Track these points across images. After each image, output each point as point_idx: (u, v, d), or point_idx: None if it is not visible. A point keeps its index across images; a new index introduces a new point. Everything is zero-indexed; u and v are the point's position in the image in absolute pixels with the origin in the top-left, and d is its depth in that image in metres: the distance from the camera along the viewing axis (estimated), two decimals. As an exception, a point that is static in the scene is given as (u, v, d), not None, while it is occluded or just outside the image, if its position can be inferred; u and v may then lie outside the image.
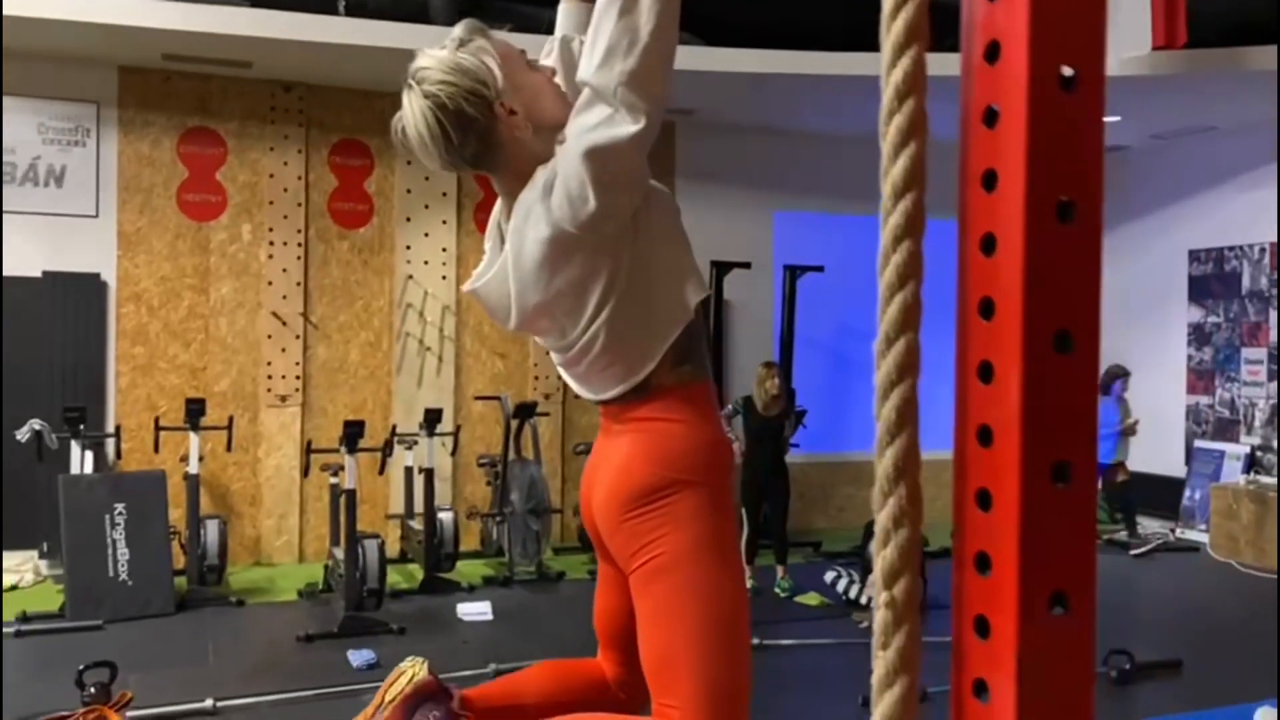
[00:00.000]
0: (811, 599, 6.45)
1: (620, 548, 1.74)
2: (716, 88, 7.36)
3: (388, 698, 1.71)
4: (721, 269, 7.76)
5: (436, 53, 1.67)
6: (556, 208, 1.59)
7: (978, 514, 0.76)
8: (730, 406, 7.02)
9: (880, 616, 0.77)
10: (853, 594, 6.25)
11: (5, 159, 6.74)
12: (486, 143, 1.69)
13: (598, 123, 1.52)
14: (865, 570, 6.31)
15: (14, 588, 6.43)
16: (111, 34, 6.29)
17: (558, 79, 1.80)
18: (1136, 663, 4.87)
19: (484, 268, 1.78)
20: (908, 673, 0.76)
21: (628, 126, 1.50)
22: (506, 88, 1.67)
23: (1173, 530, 8.61)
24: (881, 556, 0.77)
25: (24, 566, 6.60)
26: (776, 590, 6.64)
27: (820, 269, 7.93)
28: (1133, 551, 7.97)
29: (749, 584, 6.63)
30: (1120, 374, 8.42)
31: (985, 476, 0.75)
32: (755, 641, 5.39)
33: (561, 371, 1.84)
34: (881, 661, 0.77)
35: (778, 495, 6.86)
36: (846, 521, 8.65)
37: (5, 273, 6.70)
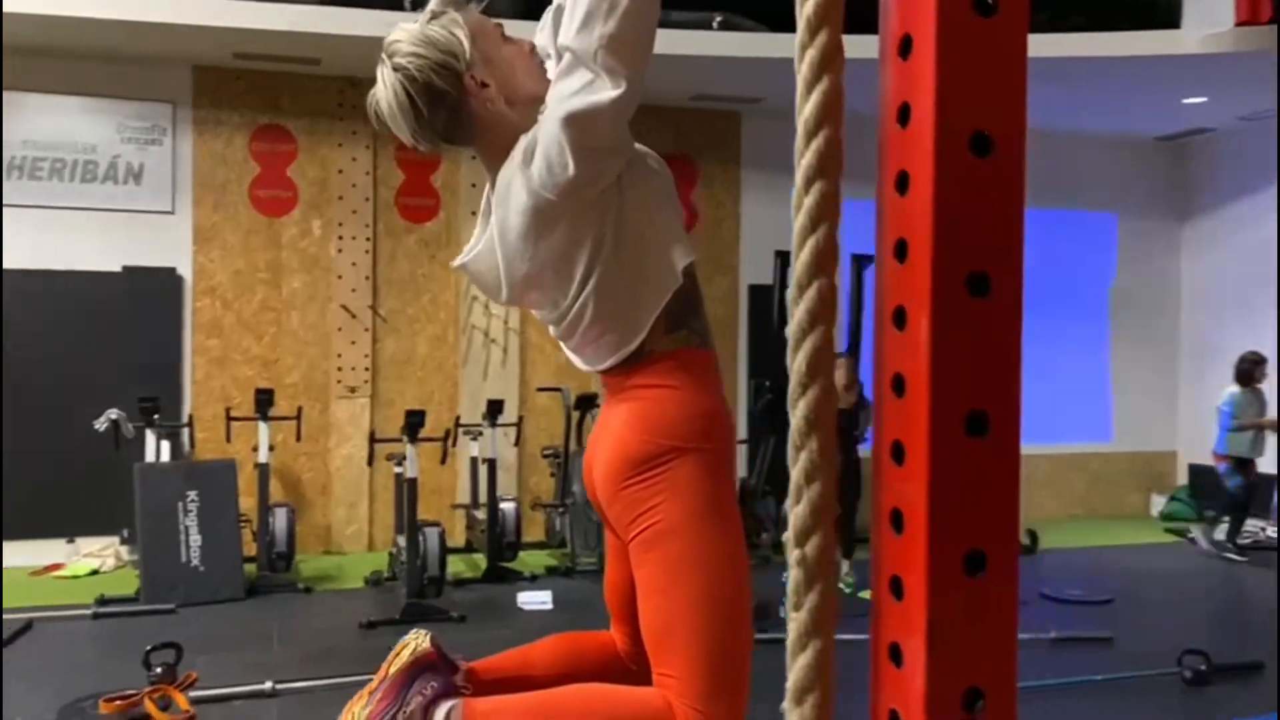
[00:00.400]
0: (875, 594, 6.33)
1: (618, 517, 1.72)
2: (782, 74, 7.27)
3: (391, 671, 1.72)
4: (785, 259, 7.67)
5: (408, 26, 1.68)
6: (536, 175, 1.58)
7: (893, 468, 0.72)
8: None
9: (792, 576, 0.74)
10: (918, 589, 6.13)
11: (86, 158, 6.99)
12: (457, 116, 1.68)
13: (578, 88, 1.50)
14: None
15: (95, 572, 6.67)
16: (185, 34, 6.47)
17: (544, 51, 1.78)
18: (1213, 664, 4.67)
19: (472, 243, 1.78)
20: (821, 635, 0.72)
21: (608, 92, 1.48)
22: (477, 60, 1.66)
23: (1264, 529, 8.26)
24: (794, 513, 0.74)
25: (105, 552, 6.83)
26: (840, 586, 6.54)
27: (888, 259, 7.77)
28: (1212, 548, 7.65)
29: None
30: (1259, 360, 7.68)
31: (899, 428, 0.71)
32: (814, 635, 5.35)
33: (562, 346, 1.83)
34: (794, 623, 0.73)
35: (848, 490, 6.76)
36: (917, 516, 8.48)
37: (88, 268, 6.96)
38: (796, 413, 0.74)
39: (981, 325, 0.69)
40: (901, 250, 0.71)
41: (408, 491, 5.69)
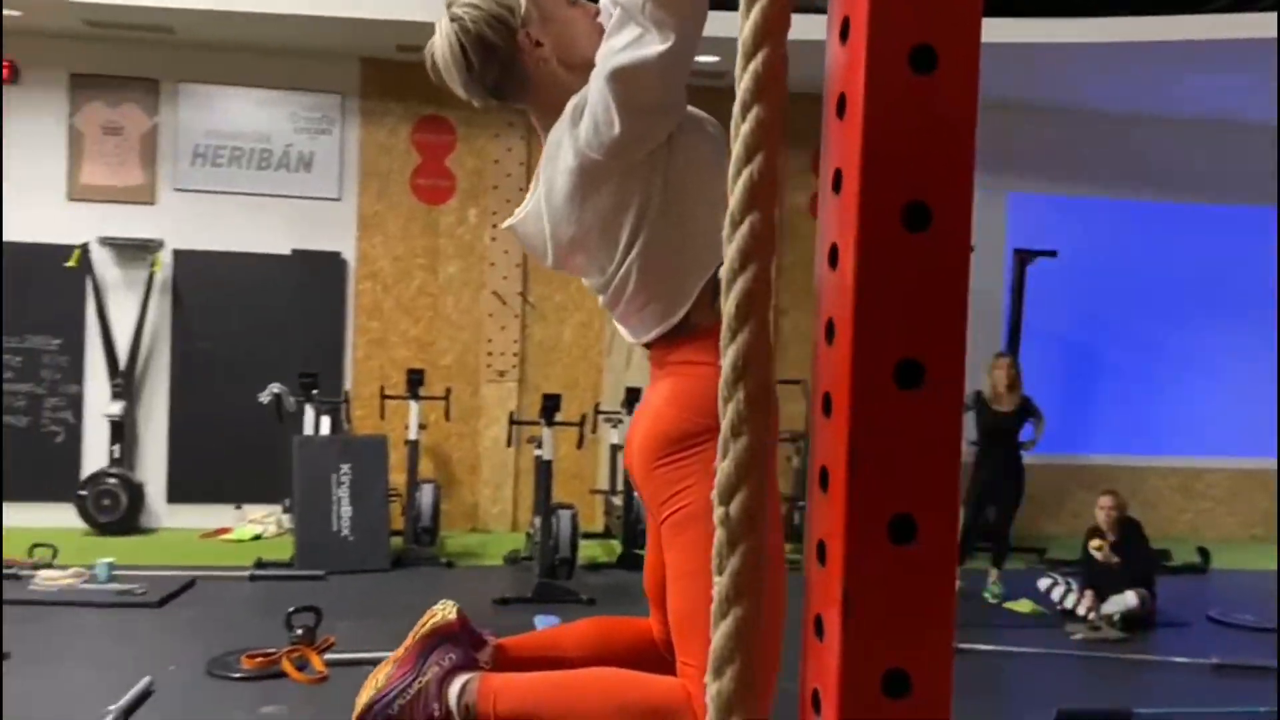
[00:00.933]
0: (1023, 606, 6.03)
1: (651, 496, 1.66)
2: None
3: (412, 640, 1.72)
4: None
5: None
6: (583, 134, 1.54)
7: (823, 422, 0.65)
8: None
9: (717, 536, 0.68)
10: (1069, 604, 5.79)
11: (262, 147, 7.41)
12: (509, 72, 1.66)
13: (627, 43, 1.45)
14: (1085, 580, 5.84)
15: (258, 537, 7.07)
16: (354, 27, 6.76)
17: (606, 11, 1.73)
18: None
19: (524, 205, 1.76)
20: (743, 601, 0.66)
21: (656, 46, 1.42)
22: (533, 17, 1.64)
23: None
24: (720, 469, 0.68)
25: (268, 519, 7.23)
26: (985, 595, 6.25)
27: (1052, 254, 7.38)
28: None
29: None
30: None
31: (829, 379, 0.64)
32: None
33: (611, 318, 1.79)
34: (717, 588, 0.67)
35: (1007, 497, 6.45)
36: (1079, 529, 8.02)
37: (260, 250, 7.37)
38: (726, 360, 0.68)
39: (918, 262, 0.61)
40: (838, 181, 0.64)
41: (543, 473, 5.78)
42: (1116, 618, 5.52)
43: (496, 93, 1.71)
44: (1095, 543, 5.79)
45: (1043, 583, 6.04)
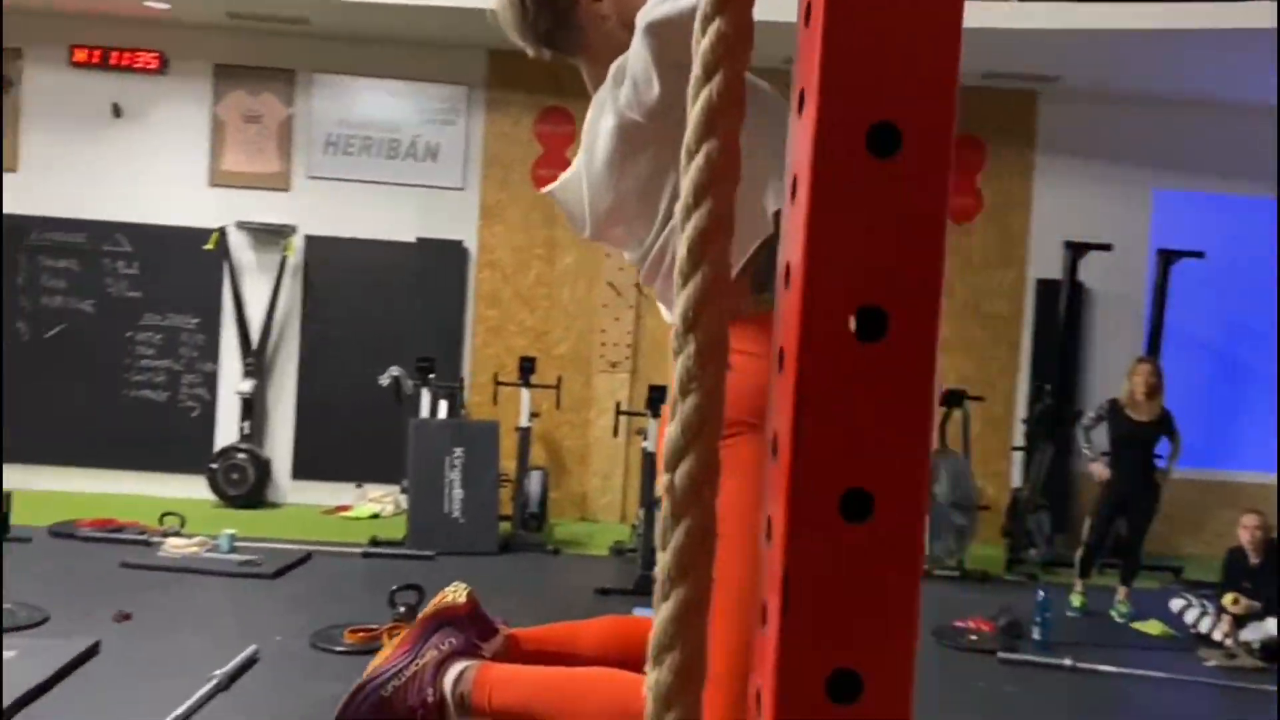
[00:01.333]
0: (1152, 627, 5.67)
1: None
2: (1084, 50, 6.65)
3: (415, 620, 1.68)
4: (1077, 250, 7.01)
5: None
6: (623, 95, 1.47)
7: (777, 379, 0.57)
8: (1093, 413, 6.22)
9: (662, 507, 0.60)
10: (1203, 627, 5.42)
11: (390, 136, 7.59)
12: (563, 23, 1.61)
13: None
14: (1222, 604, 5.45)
15: (376, 516, 7.25)
16: (483, 19, 6.81)
17: None
18: None
19: (567, 171, 1.70)
20: (687, 580, 0.58)
21: None
22: None
23: None
24: (668, 433, 0.60)
25: (386, 498, 7.41)
26: (1112, 613, 5.91)
27: (1199, 255, 6.93)
28: None
29: (1077, 601, 5.97)
30: None
31: (783, 330, 0.56)
32: (1067, 663, 4.85)
33: (653, 294, 1.70)
34: (660, 567, 0.59)
35: (1139, 511, 6.06)
36: (1220, 549, 7.51)
37: (386, 237, 7.55)
38: (679, 304, 0.60)
39: (884, 192, 0.52)
40: (802, 102, 0.55)
41: (647, 465, 5.74)
42: (1256, 645, 5.14)
43: (549, 42, 1.67)
44: (1230, 597, 5.38)
45: (1175, 603, 5.67)
